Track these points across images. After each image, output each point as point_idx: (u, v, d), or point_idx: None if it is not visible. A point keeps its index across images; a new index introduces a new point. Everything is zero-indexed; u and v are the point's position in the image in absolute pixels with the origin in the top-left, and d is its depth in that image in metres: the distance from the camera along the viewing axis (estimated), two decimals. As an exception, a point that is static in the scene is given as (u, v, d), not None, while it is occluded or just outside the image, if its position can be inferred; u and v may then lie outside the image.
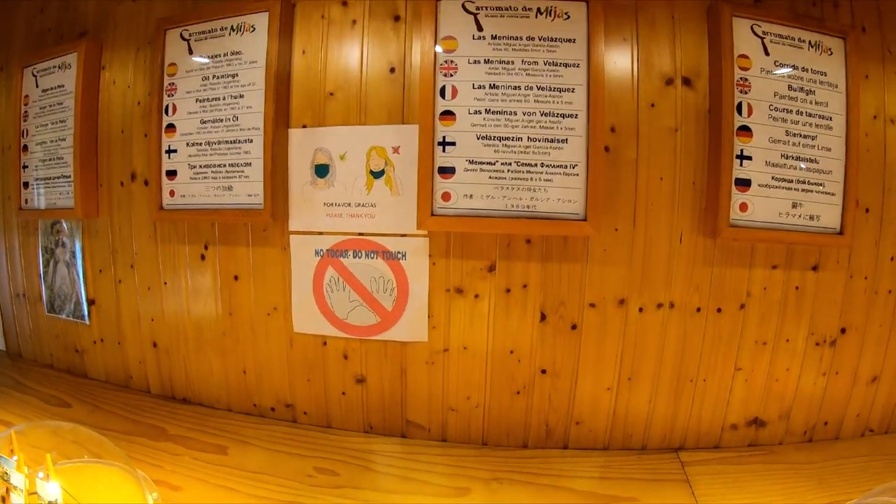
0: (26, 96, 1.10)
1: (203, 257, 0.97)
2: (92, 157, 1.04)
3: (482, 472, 0.82)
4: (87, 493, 0.59)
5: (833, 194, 0.87)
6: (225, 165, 0.90)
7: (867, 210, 0.90)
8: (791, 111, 0.86)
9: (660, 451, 0.89)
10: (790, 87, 0.86)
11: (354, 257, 0.88)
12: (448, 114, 0.82)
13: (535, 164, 0.81)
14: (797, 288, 0.90)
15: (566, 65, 0.82)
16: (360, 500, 0.75)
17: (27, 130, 1.11)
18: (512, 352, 0.85)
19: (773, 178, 0.85)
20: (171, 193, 0.95)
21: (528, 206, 0.81)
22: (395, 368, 0.88)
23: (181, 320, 1.00)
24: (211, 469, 0.83)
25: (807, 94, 0.87)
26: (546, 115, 0.81)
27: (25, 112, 1.10)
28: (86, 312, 1.11)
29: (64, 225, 1.12)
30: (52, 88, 1.07)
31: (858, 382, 0.99)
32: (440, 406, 0.88)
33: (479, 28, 0.83)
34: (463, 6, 0.82)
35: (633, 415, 0.88)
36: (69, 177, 1.04)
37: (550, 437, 0.88)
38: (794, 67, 0.87)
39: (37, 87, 1.08)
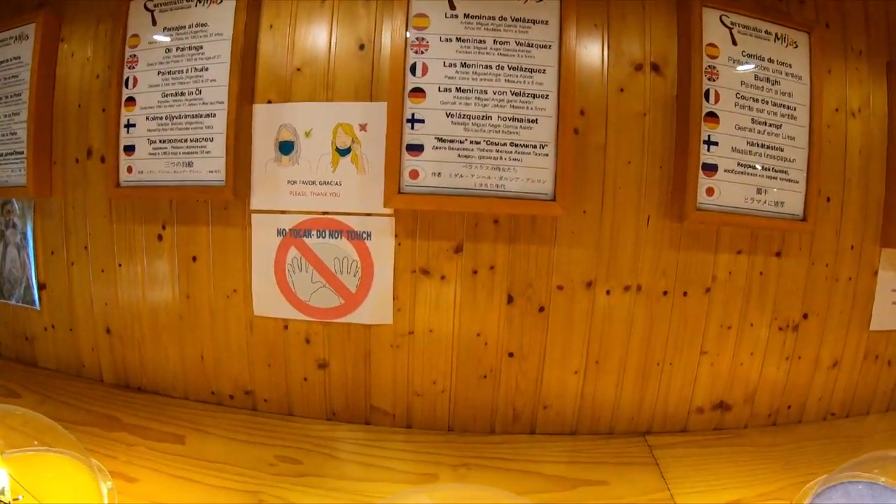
0: (-20, 69, 1.05)
1: (160, 237, 0.93)
2: (47, 133, 0.99)
3: (449, 457, 0.80)
4: (38, 482, 0.56)
5: (797, 182, 0.88)
6: (186, 140, 0.87)
7: (828, 199, 0.92)
8: (757, 100, 0.88)
9: (627, 434, 0.89)
10: (756, 77, 0.88)
11: (318, 237, 0.86)
12: (418, 91, 0.81)
13: (505, 144, 0.80)
14: (761, 273, 0.91)
15: (538, 46, 0.82)
16: (323, 489, 0.72)
17: (-21, 104, 1.05)
18: (479, 335, 0.83)
19: (738, 164, 0.86)
20: (129, 170, 0.91)
21: (497, 185, 0.80)
22: (358, 352, 0.86)
23: (136, 304, 0.95)
24: (168, 459, 0.79)
25: (772, 84, 0.89)
26: (517, 94, 0.81)
27: (-22, 85, 1.05)
28: (36, 297, 1.05)
29: (15, 205, 1.06)
30: (7, 60, 1.02)
31: (820, 367, 1.01)
32: (405, 391, 0.85)
33: (452, 7, 0.82)
34: (435, -16, 0.81)
35: (601, 399, 0.87)
36: (22, 153, 0.99)
37: (518, 421, 0.86)
38: (761, 58, 0.89)
39: (-9, 58, 1.04)
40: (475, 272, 0.82)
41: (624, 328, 0.85)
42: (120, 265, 0.96)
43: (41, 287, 1.04)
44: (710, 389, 0.91)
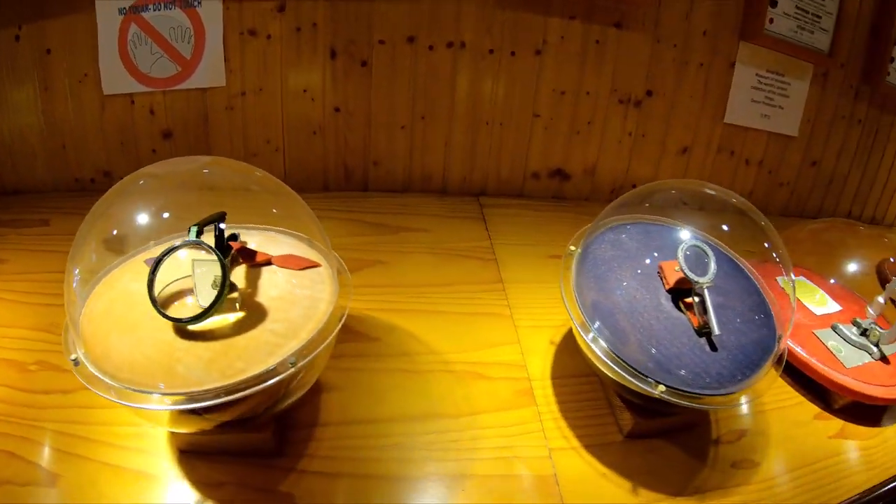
0: None
1: (18, 38, 0.96)
2: None
3: None
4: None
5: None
6: (24, -78, 0.90)
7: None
8: None
9: (461, 194, 0.93)
10: None
11: (154, 10, 0.89)
12: None
13: None
14: (598, 42, 0.92)
15: None
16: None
17: None
18: (305, 91, 0.87)
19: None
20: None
21: (310, -63, 0.82)
22: (197, 117, 0.90)
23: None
24: (34, 239, 0.84)
25: None
26: None
27: None
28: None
29: None
30: None
31: (667, 151, 1.04)
32: (242, 152, 0.89)
33: None
34: None
35: (431, 156, 0.91)
36: None
37: (350, 179, 0.90)
38: None
39: None
40: (298, 29, 0.86)
41: (448, 83, 0.88)
42: (-17, 65, 1.00)
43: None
44: (545, 155, 0.95)
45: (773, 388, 0.70)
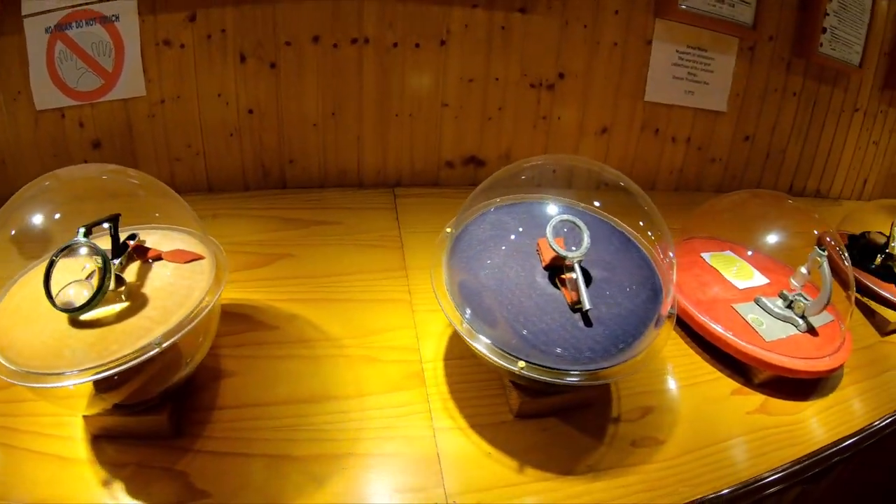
0: None
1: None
2: None
3: (202, 210, 0.88)
4: None
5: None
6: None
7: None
8: None
9: (376, 187, 0.96)
10: None
11: (77, 27, 0.93)
12: None
13: None
14: (503, 28, 0.94)
15: None
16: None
17: None
18: (220, 95, 0.91)
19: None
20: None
21: (211, -53, 0.86)
22: (123, 127, 0.94)
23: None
24: None
25: None
26: None
27: None
28: None
29: None
30: None
31: (586, 132, 1.05)
32: (166, 157, 0.94)
33: None
34: None
35: (344, 151, 0.94)
36: None
37: (268, 177, 0.94)
38: None
39: None
40: (209, 37, 0.89)
41: (355, 80, 0.91)
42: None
43: None
44: (457, 143, 0.97)
45: (691, 364, 0.70)
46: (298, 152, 0.93)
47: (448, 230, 0.60)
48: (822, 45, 1.20)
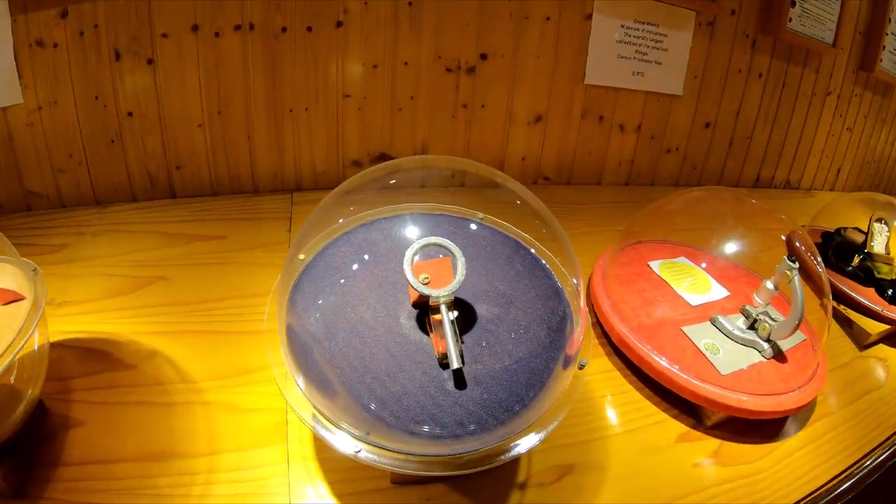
0: None
1: None
2: None
3: (88, 227, 0.82)
4: None
5: None
6: None
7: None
8: None
9: (274, 192, 0.87)
10: None
11: (-49, 31, 0.87)
12: None
13: None
14: (411, 4, 0.84)
15: None
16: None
17: None
18: (97, 98, 0.83)
19: None
20: None
21: (74, -65, 0.78)
22: (3, 138, 0.87)
23: None
24: None
25: None
26: None
27: None
28: None
29: None
30: None
31: (517, 122, 0.94)
32: (49, 169, 0.86)
33: None
34: None
35: (234, 153, 0.86)
36: None
37: (156, 186, 0.86)
38: None
39: None
40: (82, 34, 0.82)
41: (241, 72, 0.82)
42: None
43: None
44: (364, 139, 0.87)
45: (629, 404, 0.59)
46: (186, 156, 0.85)
47: (301, 257, 0.49)
48: (791, 20, 1.06)
